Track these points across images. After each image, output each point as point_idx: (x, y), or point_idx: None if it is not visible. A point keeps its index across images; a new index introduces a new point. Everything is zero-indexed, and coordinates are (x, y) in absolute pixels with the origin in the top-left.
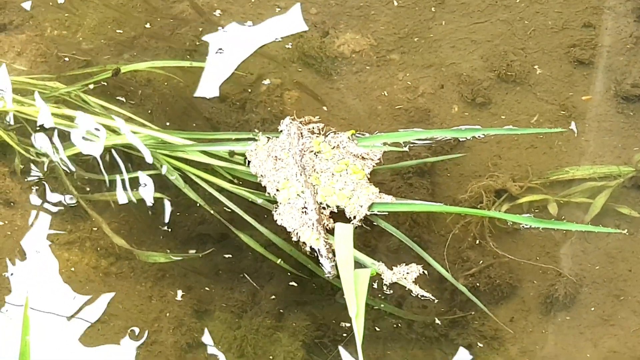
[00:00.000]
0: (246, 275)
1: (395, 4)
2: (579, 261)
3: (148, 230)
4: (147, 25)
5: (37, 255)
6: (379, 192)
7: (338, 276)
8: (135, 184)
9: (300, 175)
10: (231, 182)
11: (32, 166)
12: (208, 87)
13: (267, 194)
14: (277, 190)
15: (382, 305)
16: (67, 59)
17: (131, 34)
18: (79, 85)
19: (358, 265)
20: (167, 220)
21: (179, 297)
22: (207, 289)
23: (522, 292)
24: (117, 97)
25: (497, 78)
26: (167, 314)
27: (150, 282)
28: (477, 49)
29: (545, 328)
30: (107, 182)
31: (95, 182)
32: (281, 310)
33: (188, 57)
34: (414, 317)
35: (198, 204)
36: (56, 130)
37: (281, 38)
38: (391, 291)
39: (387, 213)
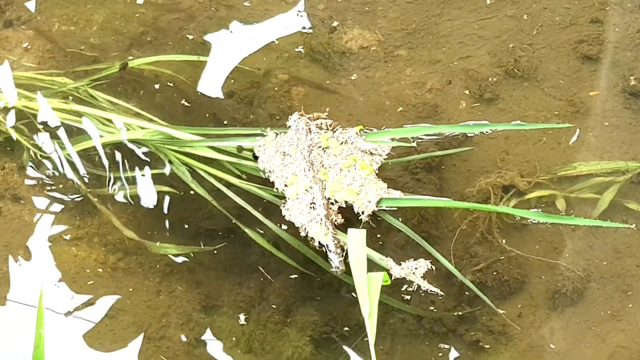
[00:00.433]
0: (260, 268)
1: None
2: (587, 257)
3: (156, 226)
4: (155, 21)
5: (45, 251)
6: (387, 187)
7: (346, 272)
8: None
9: (309, 170)
10: (239, 177)
11: (41, 162)
12: (215, 83)
13: (275, 190)
14: (286, 185)
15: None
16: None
17: (139, 30)
18: (87, 80)
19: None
20: (174, 215)
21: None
22: (215, 284)
23: (530, 287)
24: (125, 93)
25: (504, 74)
26: (175, 310)
27: (159, 278)
28: (485, 44)
29: (553, 323)
30: (113, 177)
31: (103, 177)
32: (289, 306)
33: (195, 52)
34: (422, 313)
35: (206, 200)
36: (63, 126)
37: (288, 34)
38: (411, 289)
39: (395, 208)
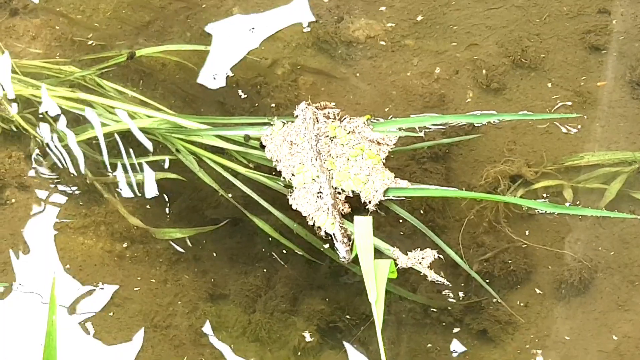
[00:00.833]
0: (274, 254)
1: None
2: (594, 247)
3: (161, 215)
4: (162, 10)
5: (51, 239)
6: (394, 177)
7: (353, 261)
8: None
9: (316, 160)
10: (246, 166)
11: (47, 150)
12: (222, 72)
13: (282, 179)
14: (293, 174)
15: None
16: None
17: (146, 19)
18: (93, 69)
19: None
20: (180, 205)
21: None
22: (221, 273)
23: (537, 277)
24: (132, 82)
25: (512, 64)
26: (182, 298)
27: (165, 266)
28: (492, 34)
29: (559, 313)
30: (120, 166)
31: (111, 166)
32: (296, 295)
33: (202, 41)
34: (428, 302)
35: (212, 189)
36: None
37: (295, 23)
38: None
39: (402, 198)
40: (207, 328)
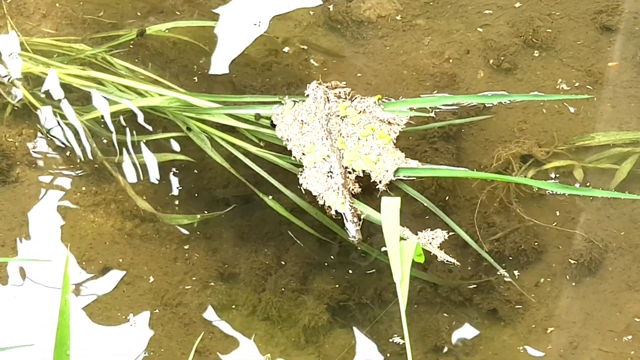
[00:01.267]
0: (290, 232)
1: None
2: (604, 227)
3: (171, 194)
4: None
5: (62, 217)
6: (405, 156)
7: (363, 240)
8: (158, 146)
9: (326, 139)
10: (257, 145)
11: (57, 128)
12: (233, 51)
13: (292, 158)
14: (303, 154)
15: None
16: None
17: None
18: (104, 47)
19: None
20: (190, 184)
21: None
22: (231, 251)
23: (548, 257)
24: (143, 60)
25: (523, 44)
26: (192, 276)
27: (175, 245)
28: (503, 14)
29: (570, 293)
30: (129, 145)
31: (121, 144)
32: (306, 274)
33: (214, 19)
34: (439, 281)
35: (223, 168)
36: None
37: (307, 2)
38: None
39: (413, 178)
40: (217, 306)
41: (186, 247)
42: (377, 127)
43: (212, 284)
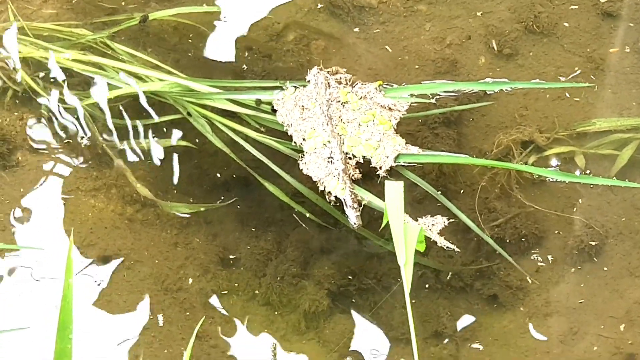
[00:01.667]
0: (295, 215)
1: None
2: (605, 213)
3: (172, 179)
4: None
5: (62, 202)
6: (406, 142)
7: (363, 226)
8: (158, 131)
9: (327, 124)
10: (257, 130)
11: (58, 113)
12: (234, 36)
13: (293, 143)
14: (304, 139)
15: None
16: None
17: None
18: (105, 32)
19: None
20: (191, 169)
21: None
22: (232, 237)
23: (548, 243)
24: (144, 45)
25: (524, 29)
26: (193, 261)
27: (176, 230)
28: (505, 0)
29: (570, 279)
30: (130, 130)
31: (121, 129)
32: (306, 259)
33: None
34: (440, 267)
35: (223, 153)
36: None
37: None
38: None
39: (414, 164)
40: (217, 291)
41: (187, 232)
42: (377, 113)
43: (213, 269)
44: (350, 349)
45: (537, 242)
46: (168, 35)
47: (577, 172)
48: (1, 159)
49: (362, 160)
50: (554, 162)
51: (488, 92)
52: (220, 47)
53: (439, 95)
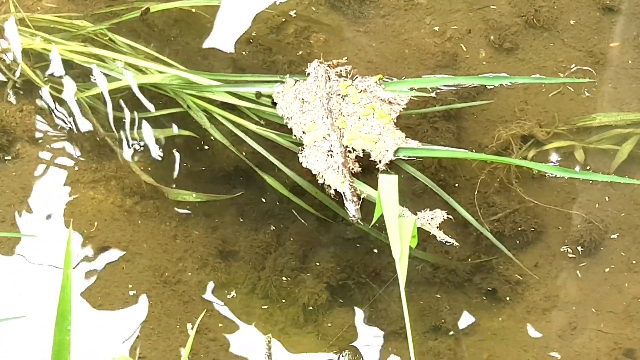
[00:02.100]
0: (292, 210)
1: None
2: (604, 208)
3: (171, 172)
4: None
5: (62, 193)
6: (405, 136)
7: (363, 219)
8: (158, 123)
9: (327, 118)
10: (257, 123)
11: (58, 104)
12: (235, 29)
13: (293, 136)
14: (303, 132)
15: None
16: None
17: None
18: (106, 24)
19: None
20: (191, 161)
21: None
22: (231, 229)
23: (547, 237)
24: (145, 37)
25: (525, 24)
26: (192, 254)
27: (175, 222)
28: None
29: (569, 274)
30: (129, 121)
31: (121, 120)
32: (305, 252)
33: None
34: (438, 261)
35: (223, 146)
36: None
37: None
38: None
39: (413, 158)
40: (216, 284)
41: (186, 224)
42: (377, 106)
43: (212, 261)
44: (349, 343)
45: (536, 237)
46: (169, 27)
47: (577, 167)
48: (1, 150)
49: (361, 154)
50: (553, 156)
51: (488, 87)
52: (220, 39)
53: (439, 89)
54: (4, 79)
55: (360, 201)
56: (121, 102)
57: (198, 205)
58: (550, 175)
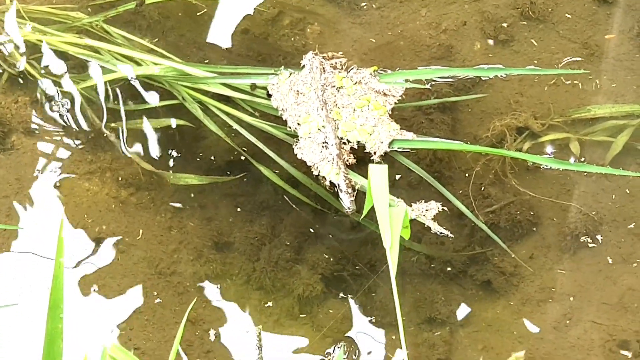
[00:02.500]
0: (286, 198)
1: None
2: (599, 199)
3: (166, 163)
4: None
5: (57, 185)
6: (400, 128)
7: (357, 211)
8: (153, 115)
9: (322, 109)
10: (252, 115)
11: (53, 96)
12: (230, 21)
13: (287, 128)
14: (298, 124)
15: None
16: None
17: None
18: (101, 16)
19: None
20: (186, 152)
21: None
22: (226, 221)
23: (542, 229)
24: (140, 29)
25: (520, 16)
26: (187, 245)
27: (170, 213)
28: None
29: (564, 265)
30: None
31: (116, 112)
32: (300, 244)
33: None
34: (433, 253)
35: (218, 137)
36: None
37: None
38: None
39: (408, 150)
40: (211, 275)
41: (181, 216)
42: (372, 98)
43: (207, 253)
44: (344, 334)
45: (531, 229)
46: (164, 19)
47: (572, 159)
48: None
49: (356, 146)
50: (548, 148)
51: (483, 78)
52: (216, 31)
53: (434, 81)
54: None
55: (355, 193)
56: (117, 93)
57: (193, 197)
58: (545, 167)
